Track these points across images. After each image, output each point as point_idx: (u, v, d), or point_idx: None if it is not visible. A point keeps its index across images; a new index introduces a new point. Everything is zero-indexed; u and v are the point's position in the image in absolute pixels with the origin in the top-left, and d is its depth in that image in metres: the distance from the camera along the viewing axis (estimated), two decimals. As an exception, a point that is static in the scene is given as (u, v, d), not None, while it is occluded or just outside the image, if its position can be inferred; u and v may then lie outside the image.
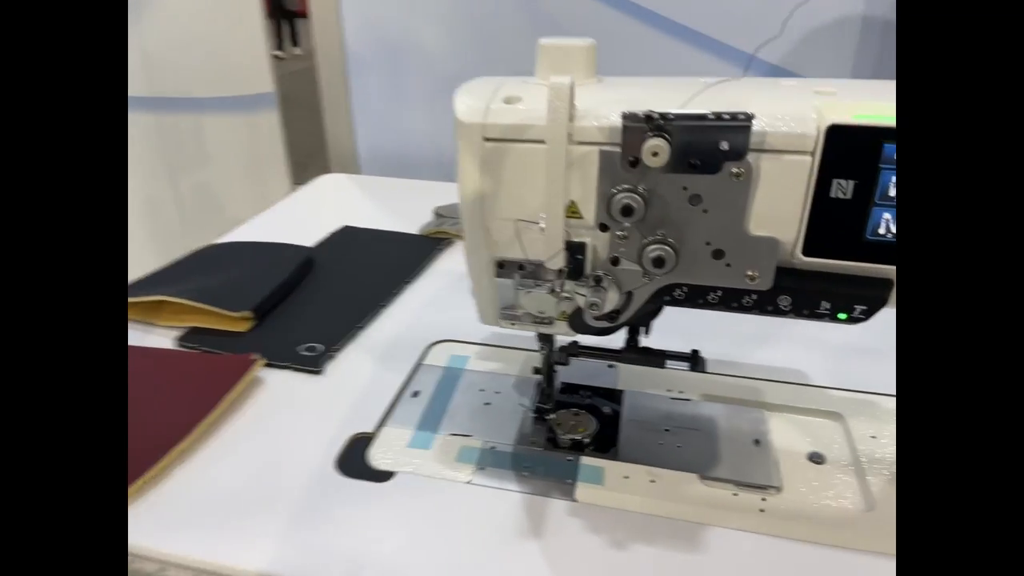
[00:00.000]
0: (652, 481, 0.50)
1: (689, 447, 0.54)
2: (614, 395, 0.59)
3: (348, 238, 0.91)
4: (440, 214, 0.96)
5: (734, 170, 0.38)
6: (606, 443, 0.54)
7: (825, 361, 0.63)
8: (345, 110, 1.19)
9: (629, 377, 0.61)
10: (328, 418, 0.57)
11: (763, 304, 0.43)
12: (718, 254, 0.41)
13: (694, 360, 0.50)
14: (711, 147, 0.38)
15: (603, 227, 0.42)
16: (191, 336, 0.67)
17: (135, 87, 1.46)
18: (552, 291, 0.46)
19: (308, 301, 0.74)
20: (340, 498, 0.49)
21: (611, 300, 0.43)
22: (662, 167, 0.38)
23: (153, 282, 0.74)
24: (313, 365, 0.63)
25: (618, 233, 0.41)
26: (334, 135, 1.22)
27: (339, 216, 0.97)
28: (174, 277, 0.76)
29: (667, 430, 0.55)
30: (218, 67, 1.58)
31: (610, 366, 0.63)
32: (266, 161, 1.67)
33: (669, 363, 0.51)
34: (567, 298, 0.46)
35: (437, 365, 0.64)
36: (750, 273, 0.41)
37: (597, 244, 0.43)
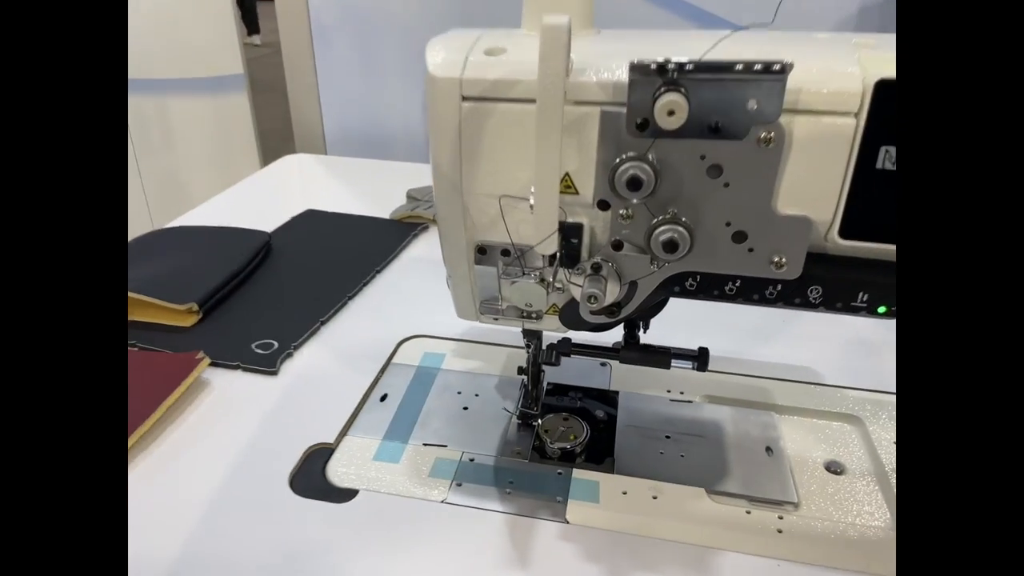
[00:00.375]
0: (654, 497, 0.44)
1: (694, 456, 0.48)
2: (608, 397, 0.53)
3: (311, 223, 0.83)
4: (413, 197, 0.88)
5: (763, 135, 0.31)
6: (600, 452, 0.48)
7: (838, 357, 0.58)
8: (311, 86, 1.11)
9: (624, 376, 0.55)
10: (282, 426, 0.50)
11: (789, 296, 0.37)
12: (739, 237, 0.34)
13: (701, 360, 0.44)
14: (737, 106, 0.31)
15: (603, 204, 0.35)
16: (128, 331, 0.60)
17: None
18: (542, 281, 0.39)
19: (264, 293, 0.67)
20: (294, 521, 0.42)
21: (611, 292, 0.37)
22: (677, 131, 0.31)
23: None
24: (267, 365, 0.56)
25: (622, 212, 0.35)
26: (299, 113, 1.14)
27: (303, 199, 0.89)
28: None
29: (668, 437, 0.49)
30: (184, 47, 1.48)
31: (602, 364, 0.56)
32: (235, 145, 1.58)
33: (673, 363, 0.44)
34: (559, 289, 0.39)
35: (408, 364, 0.57)
36: (776, 259, 0.34)
37: (596, 225, 0.36)
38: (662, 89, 0.31)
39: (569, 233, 0.36)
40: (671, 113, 0.31)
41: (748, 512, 0.43)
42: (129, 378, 0.53)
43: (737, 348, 0.58)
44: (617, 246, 0.36)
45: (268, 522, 0.42)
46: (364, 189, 0.94)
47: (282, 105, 1.15)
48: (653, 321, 0.45)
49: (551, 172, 0.33)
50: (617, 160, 0.33)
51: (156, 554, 0.40)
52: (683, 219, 0.34)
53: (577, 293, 0.37)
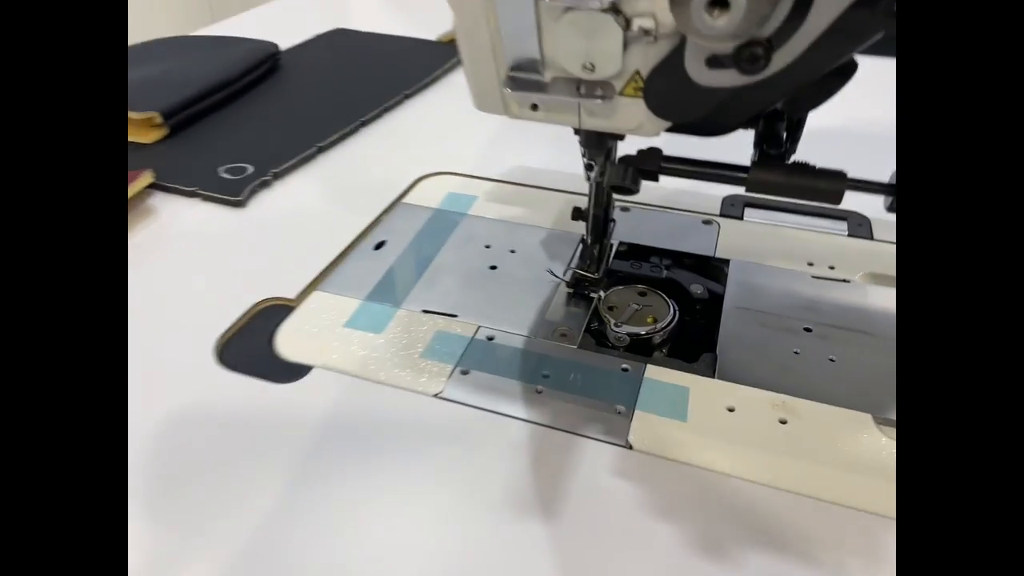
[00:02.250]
0: (782, 422, 0.26)
1: (852, 362, 0.29)
2: (711, 267, 0.35)
3: (338, 41, 0.66)
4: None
5: None
6: (694, 344, 0.30)
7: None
8: None
9: (738, 240, 0.36)
10: (232, 272, 0.35)
11: None
12: None
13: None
14: None
15: None
16: (73, 146, 0.46)
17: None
18: (614, 10, 0.21)
19: (255, 112, 0.51)
20: (210, 402, 0.28)
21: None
22: None
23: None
24: (231, 192, 0.40)
25: None
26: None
27: (338, 18, 0.72)
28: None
29: (808, 329, 0.31)
30: None
31: (705, 222, 0.38)
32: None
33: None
34: (646, 33, 0.21)
35: (423, 206, 0.40)
36: None
37: None
38: None
39: None
40: None
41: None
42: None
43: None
44: None
45: (187, 393, 0.28)
46: (419, 8, 0.75)
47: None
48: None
49: None
50: None
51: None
52: None
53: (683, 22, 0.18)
